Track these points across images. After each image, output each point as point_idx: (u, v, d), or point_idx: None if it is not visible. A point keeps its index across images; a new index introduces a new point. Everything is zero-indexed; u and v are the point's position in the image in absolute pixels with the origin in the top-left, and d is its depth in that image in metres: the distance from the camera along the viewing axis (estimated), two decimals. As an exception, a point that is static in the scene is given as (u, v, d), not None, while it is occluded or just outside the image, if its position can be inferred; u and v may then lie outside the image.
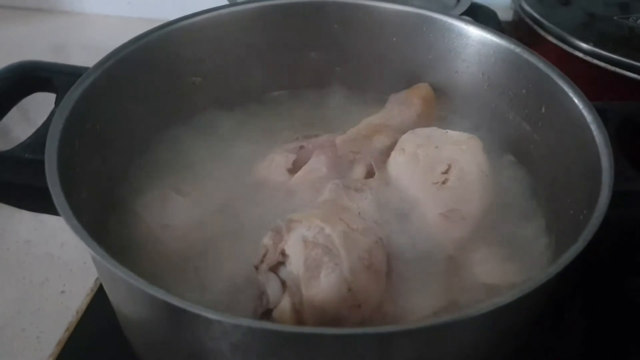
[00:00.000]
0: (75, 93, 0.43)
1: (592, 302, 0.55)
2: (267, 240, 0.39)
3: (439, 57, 0.56)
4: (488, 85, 0.54)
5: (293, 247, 0.37)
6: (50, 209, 0.36)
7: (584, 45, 0.65)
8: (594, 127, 0.42)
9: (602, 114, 0.43)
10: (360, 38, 0.58)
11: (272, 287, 0.37)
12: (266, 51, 0.57)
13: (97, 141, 0.45)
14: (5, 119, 0.47)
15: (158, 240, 0.44)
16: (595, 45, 0.65)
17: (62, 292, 0.55)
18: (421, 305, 0.39)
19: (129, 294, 0.34)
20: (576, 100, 0.44)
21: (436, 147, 0.46)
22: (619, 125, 0.45)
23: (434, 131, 0.48)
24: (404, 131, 0.49)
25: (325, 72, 0.59)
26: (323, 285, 0.35)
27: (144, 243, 0.44)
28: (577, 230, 0.35)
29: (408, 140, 0.48)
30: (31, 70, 0.49)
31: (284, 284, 0.37)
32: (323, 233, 0.37)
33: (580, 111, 0.44)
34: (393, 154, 0.48)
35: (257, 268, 0.38)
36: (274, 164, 0.48)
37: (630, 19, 0.71)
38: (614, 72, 0.63)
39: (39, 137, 0.43)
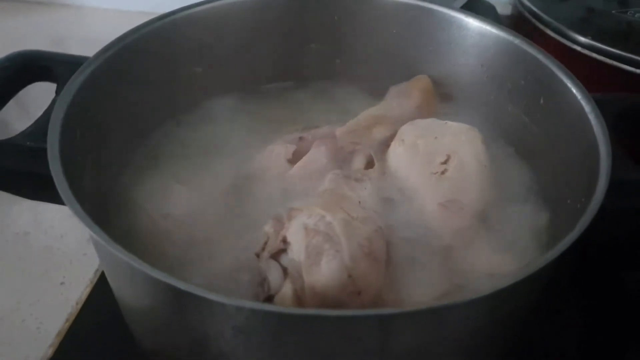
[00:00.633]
0: (76, 82, 0.43)
1: (589, 296, 0.55)
2: (268, 228, 0.39)
3: (439, 49, 0.56)
4: (487, 76, 0.54)
5: (294, 234, 0.37)
6: (52, 197, 0.36)
7: (583, 39, 0.65)
8: (592, 117, 0.42)
9: (600, 105, 0.43)
10: (360, 30, 0.58)
11: (273, 274, 0.37)
12: (266, 42, 0.57)
13: (98, 130, 0.45)
14: (2, 111, 0.47)
15: (159, 229, 0.44)
16: (593, 39, 0.65)
17: (62, 283, 0.55)
18: (419, 293, 0.39)
19: (132, 278, 0.34)
20: (574, 91, 0.45)
21: (435, 138, 0.46)
22: (617, 116, 0.45)
23: (433, 122, 0.49)
24: (403, 122, 0.49)
25: (326, 64, 0.59)
26: (324, 272, 0.36)
27: (144, 232, 0.44)
28: (575, 218, 0.35)
29: (407, 131, 0.48)
30: (31, 59, 0.49)
31: (285, 270, 0.37)
32: (324, 221, 0.37)
33: (578, 102, 0.44)
34: (393, 144, 0.48)
35: (258, 256, 0.39)
36: (274, 154, 0.48)
37: (628, 13, 0.71)
38: (612, 66, 0.63)
39: (39, 126, 0.43)
